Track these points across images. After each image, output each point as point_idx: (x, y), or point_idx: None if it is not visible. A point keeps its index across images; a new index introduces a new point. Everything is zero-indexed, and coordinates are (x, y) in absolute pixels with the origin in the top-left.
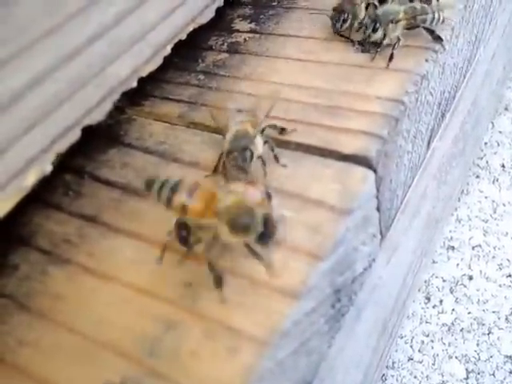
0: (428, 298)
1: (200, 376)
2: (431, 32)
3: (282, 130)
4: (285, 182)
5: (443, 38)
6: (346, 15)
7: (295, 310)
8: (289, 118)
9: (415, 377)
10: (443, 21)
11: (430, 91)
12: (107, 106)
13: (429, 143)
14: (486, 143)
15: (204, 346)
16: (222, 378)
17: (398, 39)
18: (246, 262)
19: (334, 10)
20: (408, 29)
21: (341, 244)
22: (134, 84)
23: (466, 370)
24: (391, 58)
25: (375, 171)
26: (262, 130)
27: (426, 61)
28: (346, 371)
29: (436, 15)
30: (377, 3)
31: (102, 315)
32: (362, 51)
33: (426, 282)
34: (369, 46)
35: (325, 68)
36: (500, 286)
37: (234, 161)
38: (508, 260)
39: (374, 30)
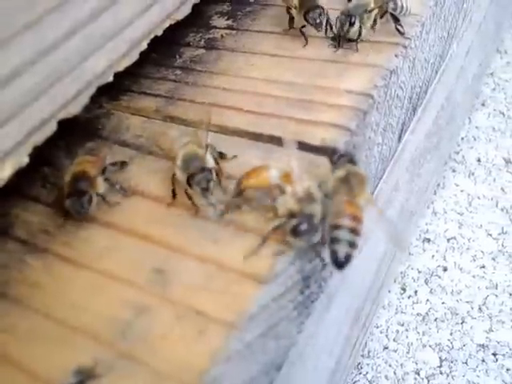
0: (403, 289)
1: (169, 357)
2: (396, 20)
3: (221, 155)
4: None
5: (404, 30)
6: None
7: (262, 295)
8: (262, 111)
9: (390, 365)
10: (410, 11)
11: (400, 85)
12: (83, 100)
13: (400, 136)
14: (462, 138)
15: (173, 330)
16: (190, 359)
17: (375, 22)
18: (215, 247)
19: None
20: (381, 17)
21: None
22: (111, 78)
23: (440, 358)
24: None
25: None
26: (207, 147)
27: (396, 56)
28: (318, 357)
29: (400, 3)
30: None
31: (77, 301)
32: (335, 46)
33: (401, 273)
34: (342, 41)
35: (299, 63)
36: (473, 276)
37: (200, 183)
38: (482, 252)
39: (352, 24)
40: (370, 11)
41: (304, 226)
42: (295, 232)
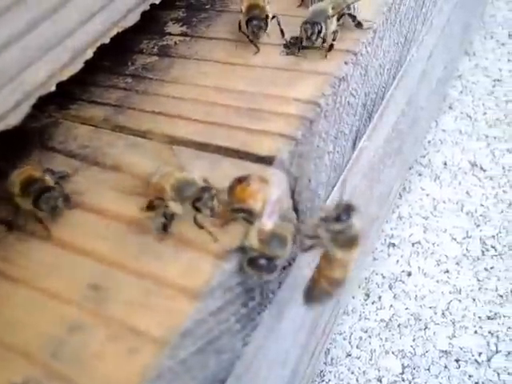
0: (367, 295)
1: (100, 377)
2: (353, 18)
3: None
4: None
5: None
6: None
7: (197, 310)
8: (210, 120)
9: (352, 372)
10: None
11: (352, 93)
12: (23, 111)
13: (354, 144)
14: (429, 141)
15: (107, 348)
16: (120, 379)
17: (336, 31)
18: (154, 262)
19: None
20: (338, 19)
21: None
22: (53, 88)
23: (402, 365)
24: (330, 48)
25: (288, 172)
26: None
27: (346, 63)
28: (270, 368)
29: (353, 8)
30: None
31: (11, 318)
32: (288, 54)
33: (366, 278)
34: (295, 48)
35: (251, 71)
36: (437, 281)
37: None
38: (446, 256)
39: (319, 32)
40: (332, 16)
41: (263, 262)
42: (252, 264)
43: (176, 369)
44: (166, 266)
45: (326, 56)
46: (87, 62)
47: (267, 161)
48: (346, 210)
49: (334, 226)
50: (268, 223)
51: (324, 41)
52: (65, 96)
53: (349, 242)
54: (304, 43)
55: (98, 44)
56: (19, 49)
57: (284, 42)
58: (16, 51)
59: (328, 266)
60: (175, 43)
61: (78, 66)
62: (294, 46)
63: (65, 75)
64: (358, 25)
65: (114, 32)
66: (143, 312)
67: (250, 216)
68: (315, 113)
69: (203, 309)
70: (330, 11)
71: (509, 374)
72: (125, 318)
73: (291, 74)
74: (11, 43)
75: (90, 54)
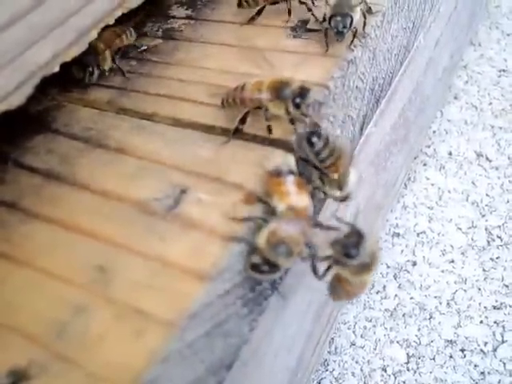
0: (372, 285)
1: (105, 359)
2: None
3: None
4: (206, 166)
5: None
6: None
7: (205, 292)
8: (215, 103)
9: (357, 362)
10: None
11: (360, 77)
12: (26, 91)
13: (362, 129)
14: (434, 131)
15: (111, 330)
16: (126, 360)
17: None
18: (160, 243)
19: None
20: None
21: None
22: (57, 69)
23: (407, 354)
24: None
25: (295, 154)
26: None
27: (355, 46)
28: (275, 355)
29: None
30: None
31: (13, 300)
32: (295, 37)
33: None
34: (301, 31)
35: (257, 54)
36: (442, 271)
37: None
38: (451, 246)
39: (351, 24)
40: (355, 6)
41: (265, 269)
42: (254, 269)
43: (183, 352)
44: (173, 247)
45: (350, 46)
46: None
47: (276, 144)
48: (355, 245)
49: (346, 261)
50: (284, 228)
51: (355, 32)
52: (68, 79)
53: (362, 268)
54: (336, 38)
55: (103, 25)
56: (23, 27)
57: (291, 25)
58: (20, 30)
59: (344, 284)
60: (180, 26)
61: (82, 46)
62: (302, 29)
63: (69, 56)
64: (369, 10)
65: (118, 12)
66: (150, 294)
67: (268, 212)
68: (324, 95)
69: (211, 291)
70: (353, 1)
71: None
72: (131, 299)
73: (299, 57)
74: (15, 21)
75: (94, 35)
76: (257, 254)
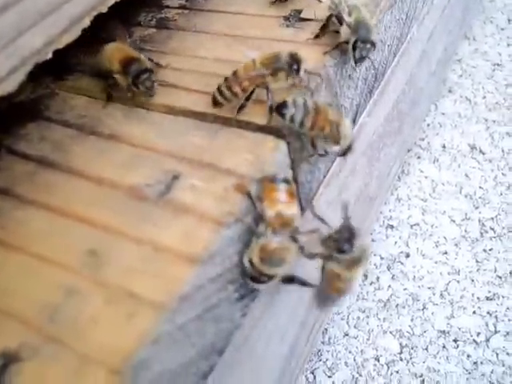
0: (365, 276)
1: (96, 342)
2: None
3: None
4: (199, 153)
5: None
6: None
7: (196, 275)
8: (209, 90)
9: (350, 352)
10: None
11: (352, 65)
12: (19, 78)
13: (355, 118)
14: (428, 124)
15: (103, 313)
16: (117, 343)
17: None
18: (153, 228)
19: None
20: None
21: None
22: (50, 55)
23: (400, 344)
24: None
25: (288, 142)
26: None
27: None
28: (268, 341)
29: None
30: None
31: (7, 285)
32: (288, 26)
33: None
34: (294, 20)
35: (250, 43)
36: (436, 262)
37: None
38: (444, 238)
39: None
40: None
41: (263, 280)
42: (252, 280)
43: (174, 334)
44: (165, 232)
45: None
46: (91, 33)
47: (268, 130)
48: (348, 240)
49: (337, 256)
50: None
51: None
52: (61, 67)
53: (353, 262)
54: (355, 61)
55: (96, 13)
56: (16, 13)
57: (284, 14)
58: (13, 15)
59: (334, 279)
60: (173, 16)
61: (75, 34)
62: (295, 18)
63: (62, 43)
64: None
65: (111, 1)
66: (141, 277)
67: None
68: (316, 83)
69: (202, 274)
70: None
71: (508, 354)
72: (122, 283)
73: (291, 46)
74: (8, 7)
75: (87, 22)
76: (253, 269)
